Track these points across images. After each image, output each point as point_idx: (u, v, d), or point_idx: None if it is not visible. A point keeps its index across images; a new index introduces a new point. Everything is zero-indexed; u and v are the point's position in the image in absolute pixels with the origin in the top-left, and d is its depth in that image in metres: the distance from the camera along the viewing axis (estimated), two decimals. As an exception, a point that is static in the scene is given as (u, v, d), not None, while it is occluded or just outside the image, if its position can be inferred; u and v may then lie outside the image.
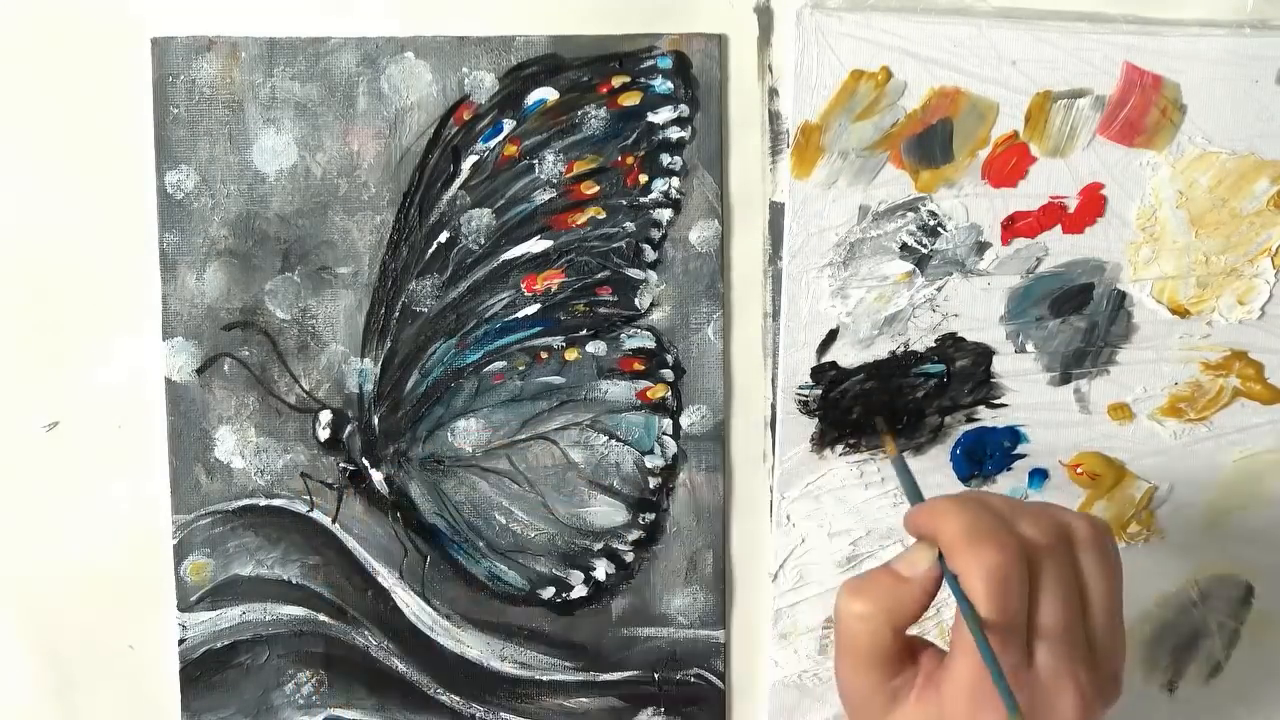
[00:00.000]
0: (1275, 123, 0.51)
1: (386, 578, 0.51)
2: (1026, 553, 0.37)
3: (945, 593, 0.38)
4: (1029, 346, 0.52)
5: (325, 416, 0.50)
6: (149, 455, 0.50)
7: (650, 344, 0.51)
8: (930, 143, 0.50)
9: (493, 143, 0.50)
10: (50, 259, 0.49)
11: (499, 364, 0.51)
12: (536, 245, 0.50)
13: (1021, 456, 0.53)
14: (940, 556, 0.38)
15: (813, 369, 0.51)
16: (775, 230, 0.51)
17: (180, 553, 0.50)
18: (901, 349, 0.52)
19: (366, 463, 0.51)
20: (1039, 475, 0.53)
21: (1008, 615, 0.36)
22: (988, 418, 0.52)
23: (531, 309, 0.51)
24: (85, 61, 0.49)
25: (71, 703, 0.51)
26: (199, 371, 0.50)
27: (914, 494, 0.46)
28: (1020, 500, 0.39)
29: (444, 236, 0.50)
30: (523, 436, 0.51)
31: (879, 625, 0.38)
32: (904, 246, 0.51)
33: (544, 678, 0.52)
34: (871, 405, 0.52)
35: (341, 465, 0.51)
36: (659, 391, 0.51)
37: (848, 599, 0.38)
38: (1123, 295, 0.52)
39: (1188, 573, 0.54)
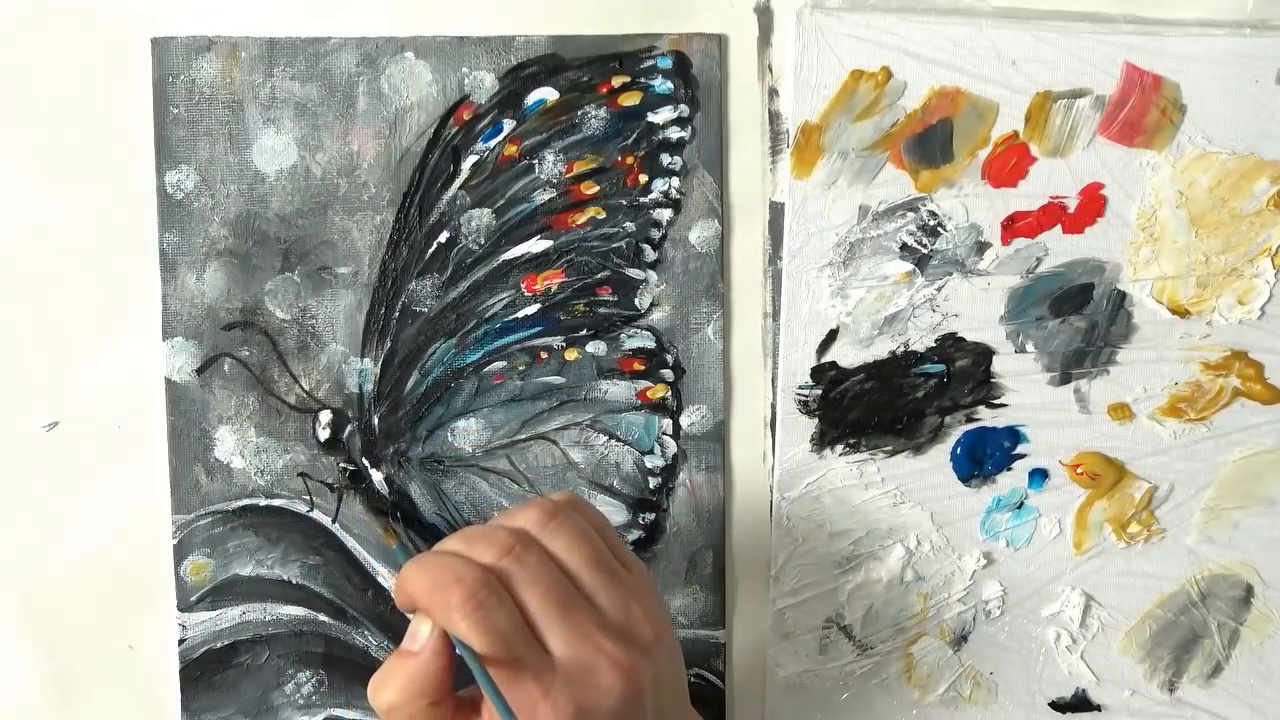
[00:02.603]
0: (1275, 123, 0.51)
1: (386, 578, 0.51)
2: (494, 573, 0.37)
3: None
4: (1029, 346, 0.52)
5: (325, 416, 0.50)
6: (149, 455, 0.50)
7: (650, 344, 0.51)
8: (930, 143, 0.50)
9: (493, 143, 0.50)
10: (50, 259, 0.49)
11: (499, 364, 0.51)
12: (536, 245, 0.50)
13: (1021, 456, 0.53)
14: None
15: (813, 369, 0.51)
16: (775, 230, 0.51)
17: (180, 553, 0.50)
18: (901, 349, 0.52)
19: (366, 463, 0.51)
20: (1039, 475, 0.53)
21: (499, 634, 0.36)
22: (988, 418, 0.52)
23: (531, 309, 0.51)
24: (85, 61, 0.49)
25: (71, 703, 0.51)
26: (199, 371, 0.50)
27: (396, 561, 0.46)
28: (475, 528, 0.39)
29: (444, 236, 0.50)
30: (523, 436, 0.51)
31: (417, 706, 0.37)
32: (904, 246, 0.51)
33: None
34: (871, 405, 0.52)
35: (341, 465, 0.51)
36: (659, 391, 0.51)
37: (375, 696, 0.38)
38: (1123, 295, 0.52)
39: (1188, 573, 0.54)
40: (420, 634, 0.38)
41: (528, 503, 0.41)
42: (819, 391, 0.51)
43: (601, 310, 0.51)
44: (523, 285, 0.51)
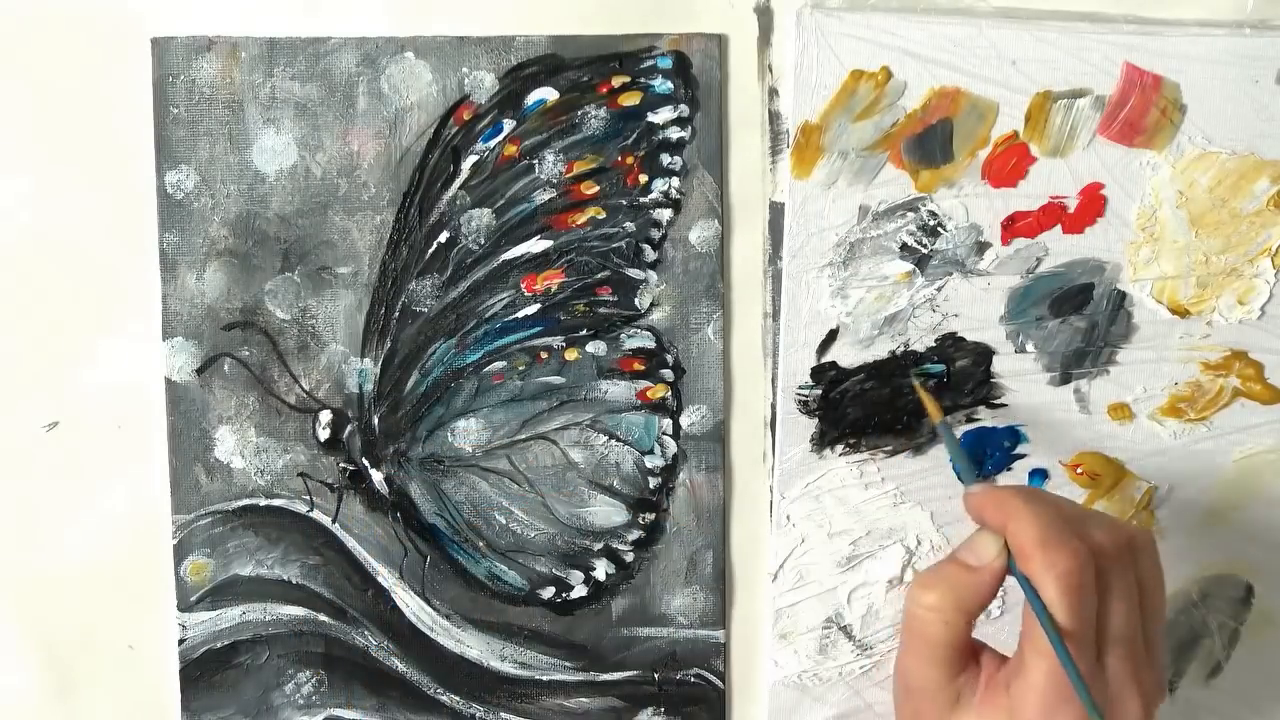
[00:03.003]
0: (1275, 123, 0.51)
1: (386, 578, 0.51)
2: (1099, 558, 0.37)
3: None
4: (1029, 346, 0.52)
5: (325, 416, 0.50)
6: (149, 455, 0.50)
7: (650, 344, 0.51)
8: (930, 143, 0.50)
9: (493, 143, 0.50)
10: (50, 259, 0.49)
11: (499, 364, 0.51)
12: (536, 245, 0.50)
13: (1021, 456, 0.53)
14: (1008, 549, 0.39)
15: (813, 369, 0.51)
16: (775, 230, 0.51)
17: (180, 553, 0.50)
18: (901, 349, 0.52)
19: (366, 463, 0.51)
20: (1039, 475, 0.53)
21: (1081, 621, 0.36)
22: (988, 418, 0.52)
23: (531, 309, 0.51)
24: (85, 61, 0.49)
25: (71, 703, 0.51)
26: (199, 371, 0.50)
27: (969, 470, 0.46)
28: (1081, 505, 0.40)
29: (444, 236, 0.50)
30: (523, 436, 0.51)
31: (952, 615, 0.38)
32: (904, 246, 0.51)
33: (544, 678, 0.52)
34: (871, 405, 0.52)
35: (341, 465, 0.51)
36: (659, 391, 0.51)
37: (919, 591, 0.39)
38: (1123, 295, 0.52)
39: (1188, 573, 0.54)
40: (985, 553, 0.38)
41: (1128, 523, 0.41)
42: (819, 391, 0.51)
43: (601, 310, 0.51)
44: (523, 285, 0.51)
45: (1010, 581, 0.39)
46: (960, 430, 0.52)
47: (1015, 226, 0.51)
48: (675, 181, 0.50)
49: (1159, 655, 0.40)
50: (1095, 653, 0.37)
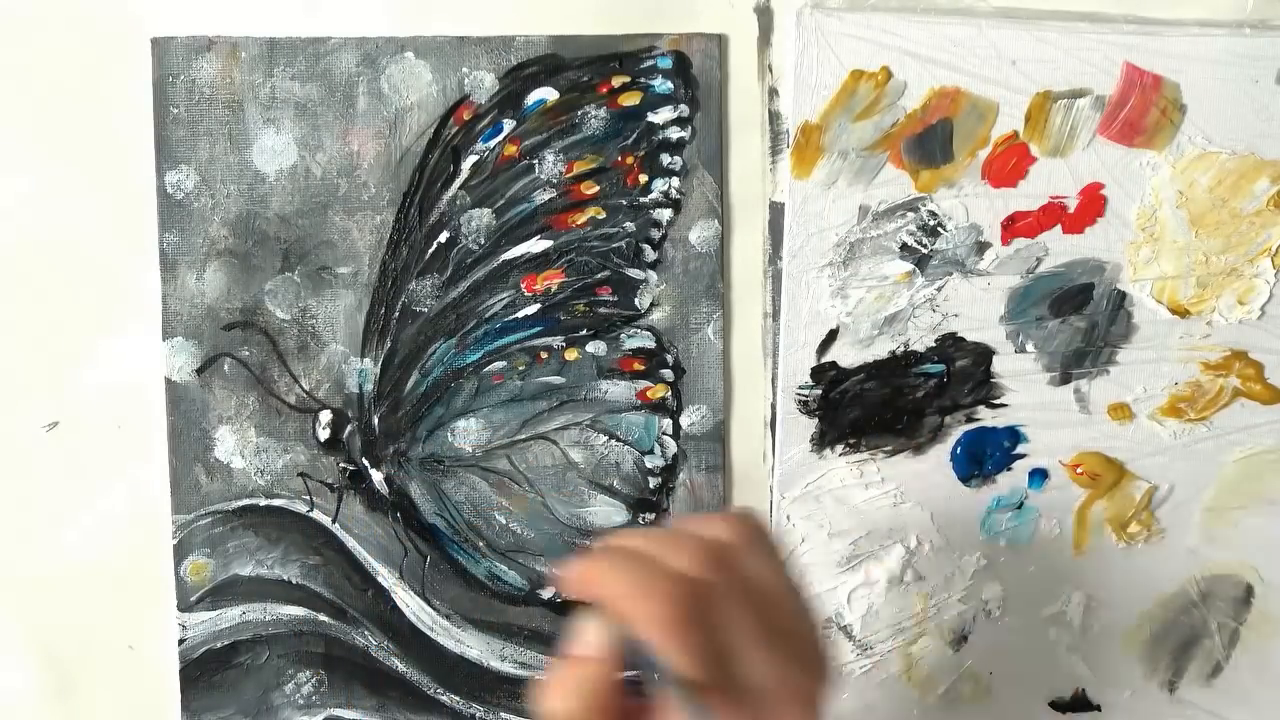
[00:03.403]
0: (1275, 123, 0.51)
1: (386, 578, 0.51)
2: (699, 586, 0.34)
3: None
4: (1029, 346, 0.52)
5: (325, 416, 0.50)
6: (149, 455, 0.50)
7: (650, 344, 0.51)
8: (930, 143, 0.50)
9: (493, 143, 0.50)
10: (50, 259, 0.49)
11: (499, 364, 0.51)
12: (536, 245, 0.50)
13: (1021, 456, 0.53)
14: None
15: (813, 369, 0.51)
16: (775, 230, 0.51)
17: (180, 553, 0.50)
18: (901, 349, 0.52)
19: (366, 463, 0.51)
20: (1039, 475, 0.53)
21: (705, 658, 0.34)
22: (988, 418, 0.52)
23: (531, 309, 0.51)
24: (85, 61, 0.49)
25: (71, 703, 0.51)
26: (199, 371, 0.50)
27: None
28: (663, 531, 0.37)
29: (444, 236, 0.50)
30: (523, 436, 0.51)
31: (588, 713, 0.35)
32: (904, 246, 0.51)
33: (544, 678, 0.52)
34: (871, 405, 0.52)
35: (341, 465, 0.51)
36: (659, 391, 0.51)
37: (549, 703, 0.35)
38: (1123, 295, 0.52)
39: (1188, 573, 0.54)
40: (590, 637, 0.35)
41: (717, 515, 0.38)
42: (819, 391, 0.51)
43: (601, 310, 0.51)
44: (523, 285, 0.51)
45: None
46: (960, 430, 0.52)
47: (1015, 226, 0.51)
48: (675, 181, 0.50)
49: (805, 634, 0.37)
50: (732, 675, 0.35)
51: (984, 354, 0.52)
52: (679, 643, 0.33)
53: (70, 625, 0.51)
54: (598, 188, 0.50)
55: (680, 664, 0.33)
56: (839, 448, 0.52)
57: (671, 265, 0.51)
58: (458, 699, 0.52)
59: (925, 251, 0.51)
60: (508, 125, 0.50)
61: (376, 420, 0.51)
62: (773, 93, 0.50)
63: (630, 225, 0.50)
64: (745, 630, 0.35)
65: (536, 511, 0.52)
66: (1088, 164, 0.51)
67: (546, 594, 0.52)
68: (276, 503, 0.50)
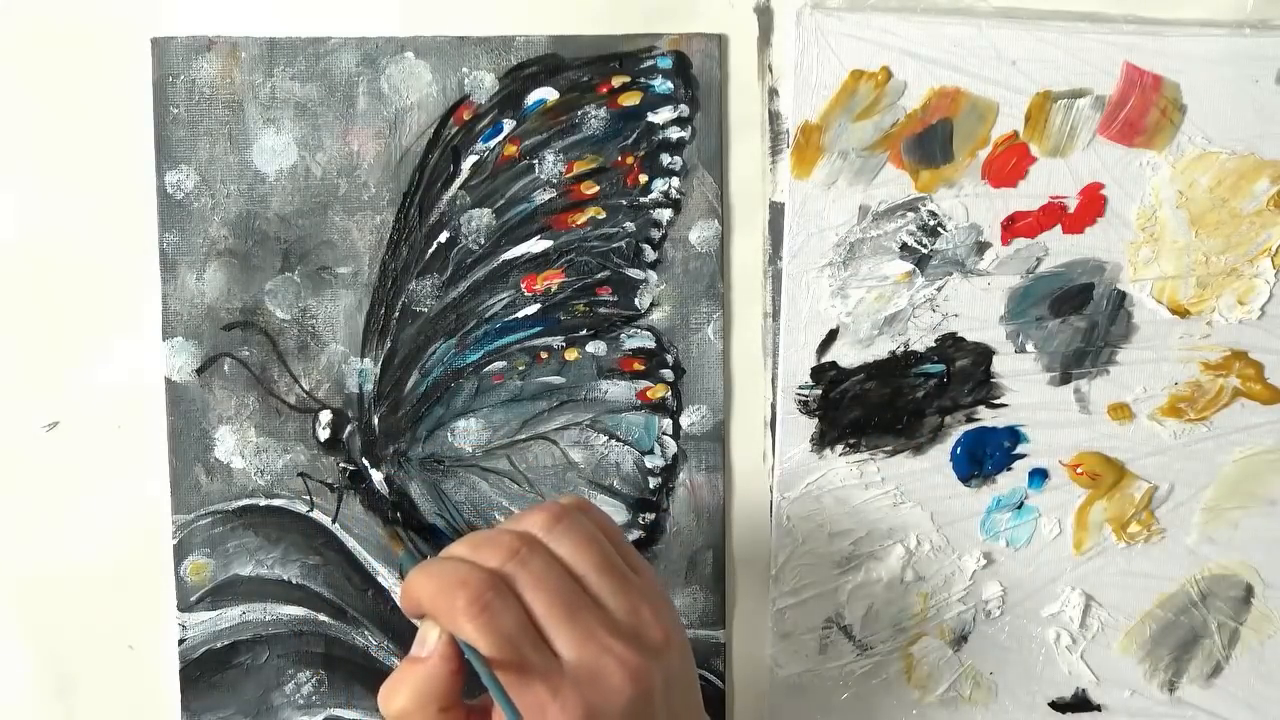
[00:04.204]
0: (1275, 123, 0.51)
1: (386, 578, 0.51)
2: (499, 576, 0.37)
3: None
4: (1029, 346, 0.52)
5: (325, 416, 0.50)
6: (149, 455, 0.50)
7: (650, 344, 0.51)
8: (930, 143, 0.50)
9: (493, 143, 0.50)
10: (50, 259, 0.49)
11: (499, 364, 0.51)
12: (536, 245, 0.50)
13: (1021, 456, 0.53)
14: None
15: (813, 369, 0.51)
16: (775, 230, 0.51)
17: (180, 553, 0.50)
18: (901, 349, 0.52)
19: (366, 463, 0.51)
20: (1039, 475, 0.53)
21: (505, 636, 0.36)
22: (988, 418, 0.52)
23: (531, 309, 0.51)
24: (85, 61, 0.49)
25: (71, 703, 0.51)
26: (199, 371, 0.50)
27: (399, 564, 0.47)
28: (480, 533, 0.39)
29: (444, 236, 0.50)
30: (523, 436, 0.51)
31: (427, 715, 0.37)
32: (904, 246, 0.51)
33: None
34: (871, 405, 0.52)
35: (341, 465, 0.51)
36: (659, 391, 0.51)
37: (386, 707, 0.38)
38: (1123, 295, 0.52)
39: (1188, 573, 0.54)
40: (429, 640, 0.38)
41: (533, 506, 0.41)
42: (819, 391, 0.51)
43: (601, 310, 0.51)
44: (523, 285, 0.51)
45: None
46: (960, 430, 0.52)
47: (1015, 226, 0.51)
48: (675, 181, 0.50)
49: (630, 606, 0.39)
50: (552, 654, 0.37)
51: (984, 354, 0.52)
52: (476, 626, 0.36)
53: (70, 625, 0.51)
54: (598, 188, 0.50)
55: (484, 646, 0.36)
56: (839, 448, 0.52)
57: (671, 265, 0.51)
58: (458, 699, 0.52)
59: (925, 251, 0.51)
60: (508, 125, 0.50)
61: (376, 420, 0.51)
62: (773, 93, 0.50)
63: (630, 225, 0.50)
64: (552, 609, 0.37)
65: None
66: (1088, 164, 0.51)
67: (546, 594, 0.52)
68: (276, 503, 0.50)
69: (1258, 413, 0.53)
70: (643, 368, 0.51)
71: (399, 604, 0.40)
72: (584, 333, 0.51)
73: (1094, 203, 0.51)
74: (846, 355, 0.51)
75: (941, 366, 0.52)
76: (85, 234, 0.49)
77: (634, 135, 0.50)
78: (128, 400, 0.50)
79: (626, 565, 0.40)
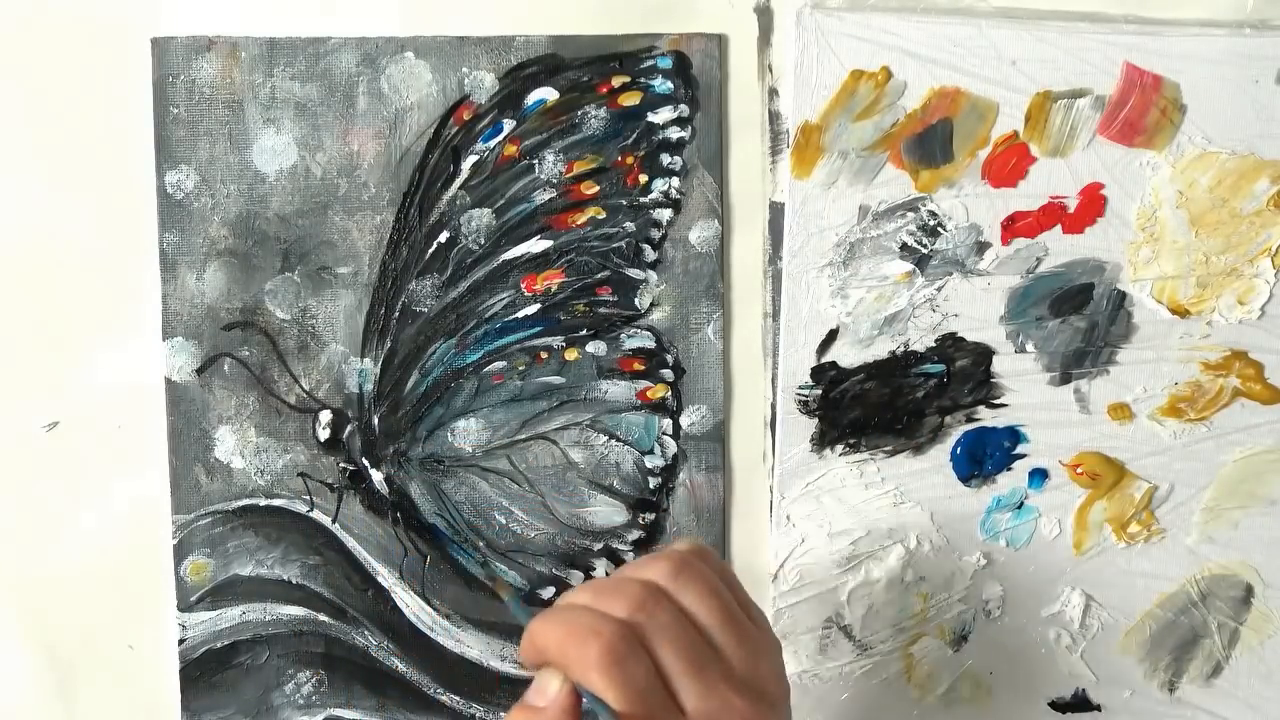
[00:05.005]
0: (1275, 123, 0.51)
1: (386, 578, 0.51)
2: (628, 627, 0.37)
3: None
4: (1029, 346, 0.52)
5: (325, 416, 0.50)
6: (149, 455, 0.50)
7: (650, 344, 0.51)
8: (930, 143, 0.50)
9: (493, 143, 0.50)
10: (50, 259, 0.49)
11: (499, 364, 0.51)
12: (536, 245, 0.50)
13: (1021, 456, 0.53)
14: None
15: (813, 369, 0.51)
16: (775, 230, 0.51)
17: (180, 553, 0.50)
18: (901, 349, 0.52)
19: (366, 463, 0.51)
20: (1039, 475, 0.53)
21: (638, 692, 0.35)
22: (988, 418, 0.52)
23: (531, 309, 0.51)
24: (85, 61, 0.49)
25: (71, 703, 0.51)
26: (199, 371, 0.50)
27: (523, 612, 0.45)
28: (602, 581, 0.39)
29: (444, 236, 0.50)
30: (523, 436, 0.51)
31: None
32: (904, 246, 0.51)
33: None
34: (871, 405, 0.52)
35: (341, 465, 0.51)
36: (659, 391, 0.51)
37: None
38: (1123, 295, 0.52)
39: (1188, 573, 0.54)
40: (549, 689, 0.37)
41: (656, 554, 0.40)
42: (819, 391, 0.51)
43: (601, 310, 0.51)
44: (523, 285, 0.51)
45: None
46: (960, 430, 0.52)
47: (1015, 226, 0.51)
48: (675, 181, 0.50)
49: (750, 659, 0.38)
50: (678, 709, 0.36)
51: (984, 354, 0.52)
52: (609, 679, 0.35)
53: (70, 625, 0.51)
54: (598, 188, 0.50)
55: (615, 699, 0.35)
56: (839, 448, 0.52)
57: (671, 265, 0.51)
58: (458, 699, 0.52)
59: (925, 251, 0.51)
60: (508, 125, 0.50)
61: (376, 420, 0.51)
62: (773, 93, 0.50)
63: (630, 225, 0.50)
64: (680, 662, 0.37)
65: (536, 511, 0.52)
66: (1088, 164, 0.51)
67: (546, 594, 0.52)
68: (276, 503, 0.50)
69: (1258, 413, 0.53)
70: (643, 368, 0.51)
71: (519, 654, 0.40)
72: (584, 333, 0.51)
73: (1094, 203, 0.51)
74: (846, 355, 0.51)
75: (941, 366, 0.52)
76: (85, 234, 0.49)
77: (634, 135, 0.50)
78: (128, 400, 0.50)
79: (746, 614, 0.40)
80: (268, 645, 0.51)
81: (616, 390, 0.51)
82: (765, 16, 0.50)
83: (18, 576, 0.50)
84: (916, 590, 0.53)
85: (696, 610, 0.38)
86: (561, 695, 0.37)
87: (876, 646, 0.53)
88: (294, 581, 0.51)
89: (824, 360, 0.51)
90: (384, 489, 0.51)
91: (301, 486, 0.51)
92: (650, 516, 0.52)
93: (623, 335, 0.51)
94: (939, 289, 0.51)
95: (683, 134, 0.50)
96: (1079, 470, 0.53)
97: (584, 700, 0.36)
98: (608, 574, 0.52)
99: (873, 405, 0.52)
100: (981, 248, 0.51)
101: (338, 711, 0.51)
